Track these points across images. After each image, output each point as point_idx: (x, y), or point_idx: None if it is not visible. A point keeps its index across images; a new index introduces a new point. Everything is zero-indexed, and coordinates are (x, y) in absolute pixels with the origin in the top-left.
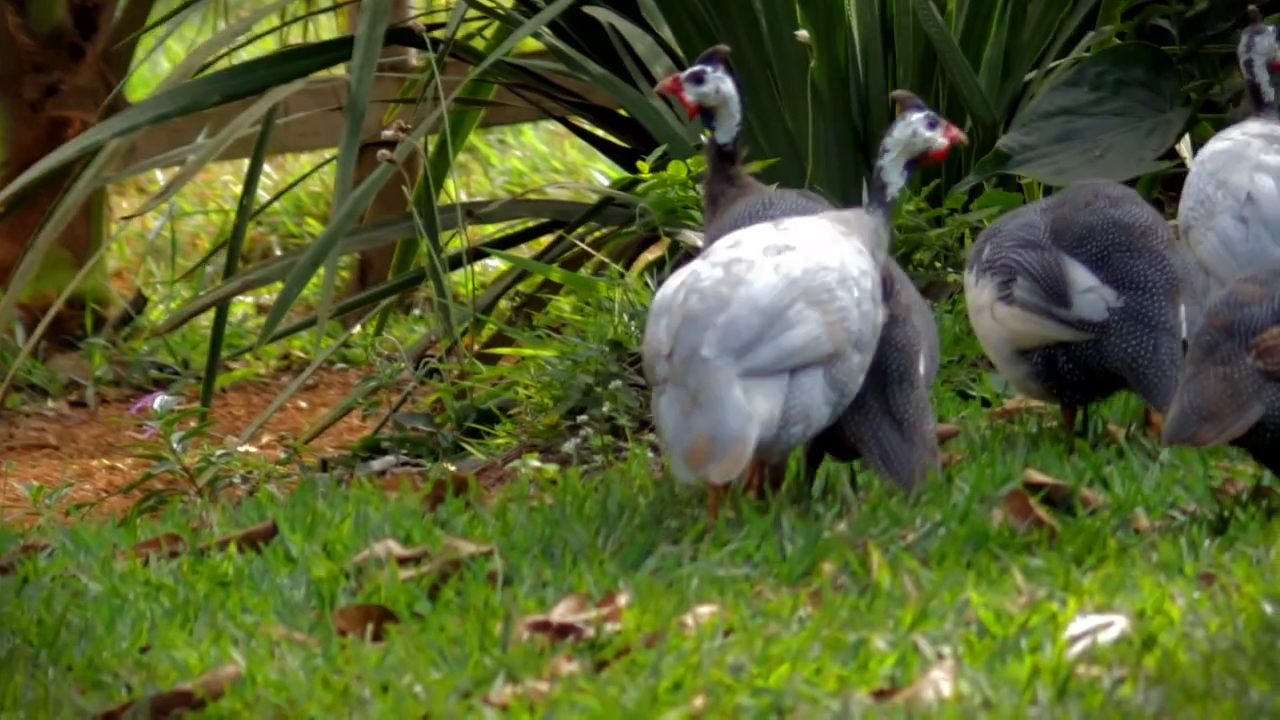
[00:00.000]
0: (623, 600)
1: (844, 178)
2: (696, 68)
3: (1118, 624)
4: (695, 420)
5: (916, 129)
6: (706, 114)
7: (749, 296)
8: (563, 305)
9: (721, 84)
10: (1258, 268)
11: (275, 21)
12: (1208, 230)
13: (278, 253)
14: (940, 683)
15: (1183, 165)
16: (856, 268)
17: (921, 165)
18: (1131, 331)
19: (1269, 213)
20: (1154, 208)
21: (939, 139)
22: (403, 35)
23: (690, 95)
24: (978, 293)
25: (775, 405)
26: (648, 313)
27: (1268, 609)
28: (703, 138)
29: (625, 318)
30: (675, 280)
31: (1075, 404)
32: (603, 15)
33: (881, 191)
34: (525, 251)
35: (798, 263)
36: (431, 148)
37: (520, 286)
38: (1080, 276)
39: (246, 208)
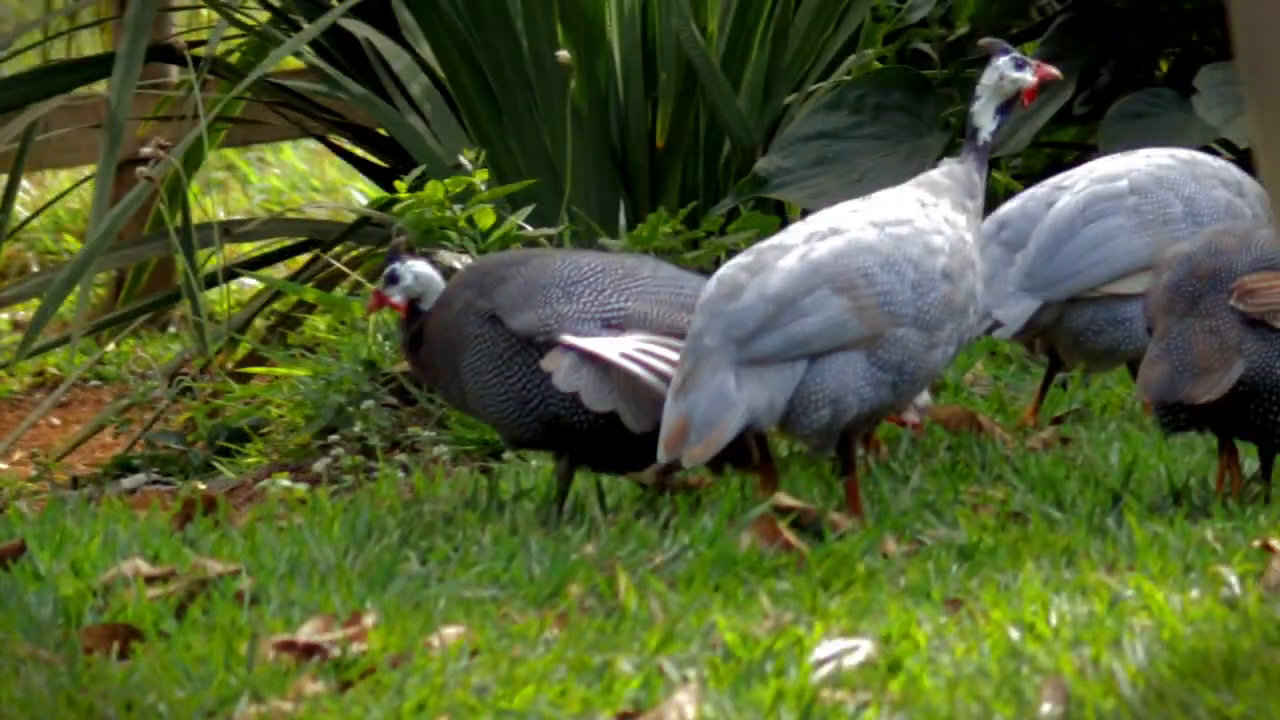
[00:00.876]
0: (369, 620)
1: (602, 199)
2: (386, 271)
3: (863, 648)
4: (679, 404)
5: (1004, 72)
6: (415, 303)
7: (761, 285)
8: (318, 324)
9: (415, 269)
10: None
11: (38, 36)
12: None
13: (35, 269)
14: (684, 706)
15: None
16: (921, 246)
17: (1019, 105)
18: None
19: None
20: None
21: (1028, 78)
22: (164, 52)
23: (396, 297)
24: None
25: (779, 393)
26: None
27: (1013, 634)
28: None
29: (379, 337)
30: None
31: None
32: (360, 31)
33: (974, 137)
34: (282, 270)
35: (830, 249)
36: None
37: (276, 305)
38: None
39: (3, 225)
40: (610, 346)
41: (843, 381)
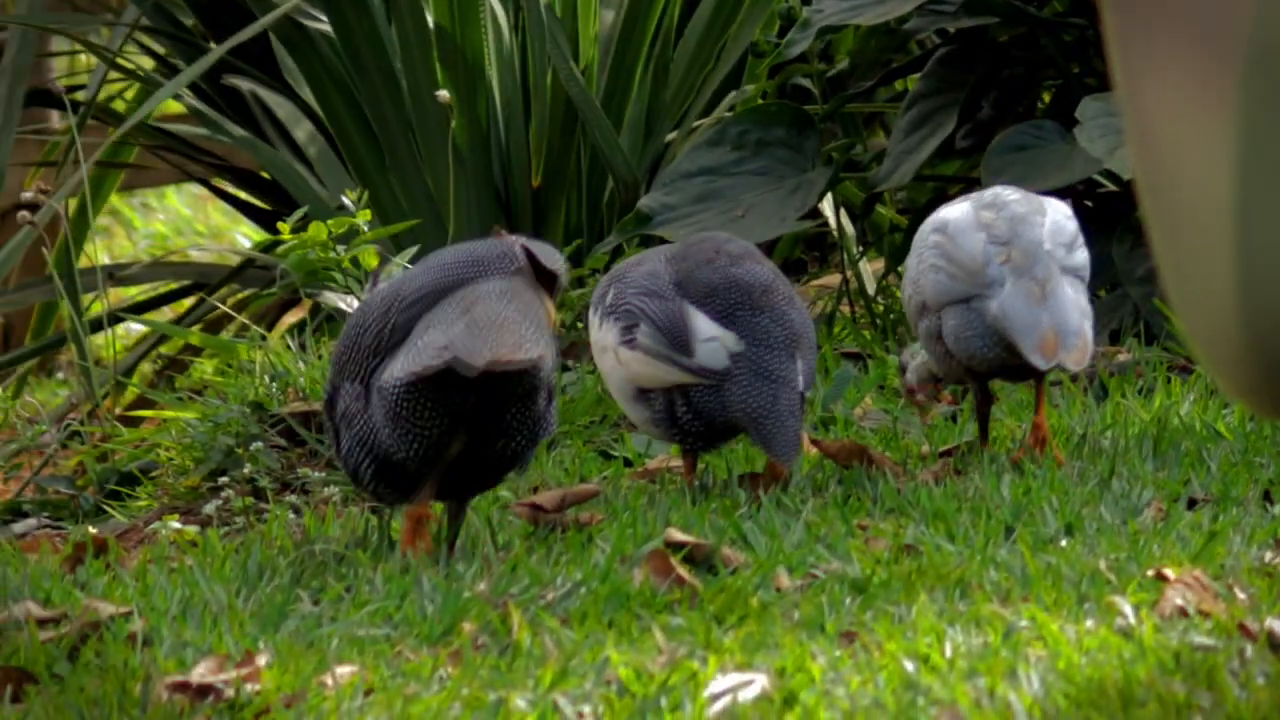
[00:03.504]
0: (262, 660)
1: (484, 238)
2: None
3: (758, 682)
4: (1043, 312)
5: None
6: None
7: (1057, 208)
8: (205, 367)
9: None
10: None
11: None
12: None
13: None
14: None
15: (825, 224)
16: None
17: None
18: (751, 383)
19: None
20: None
21: None
22: (43, 97)
23: None
24: (601, 335)
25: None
26: (936, 240)
27: (908, 666)
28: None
29: (266, 379)
30: (961, 206)
31: (696, 451)
32: (241, 81)
33: None
34: (168, 314)
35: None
36: (73, 210)
37: (162, 349)
38: (703, 326)
39: None
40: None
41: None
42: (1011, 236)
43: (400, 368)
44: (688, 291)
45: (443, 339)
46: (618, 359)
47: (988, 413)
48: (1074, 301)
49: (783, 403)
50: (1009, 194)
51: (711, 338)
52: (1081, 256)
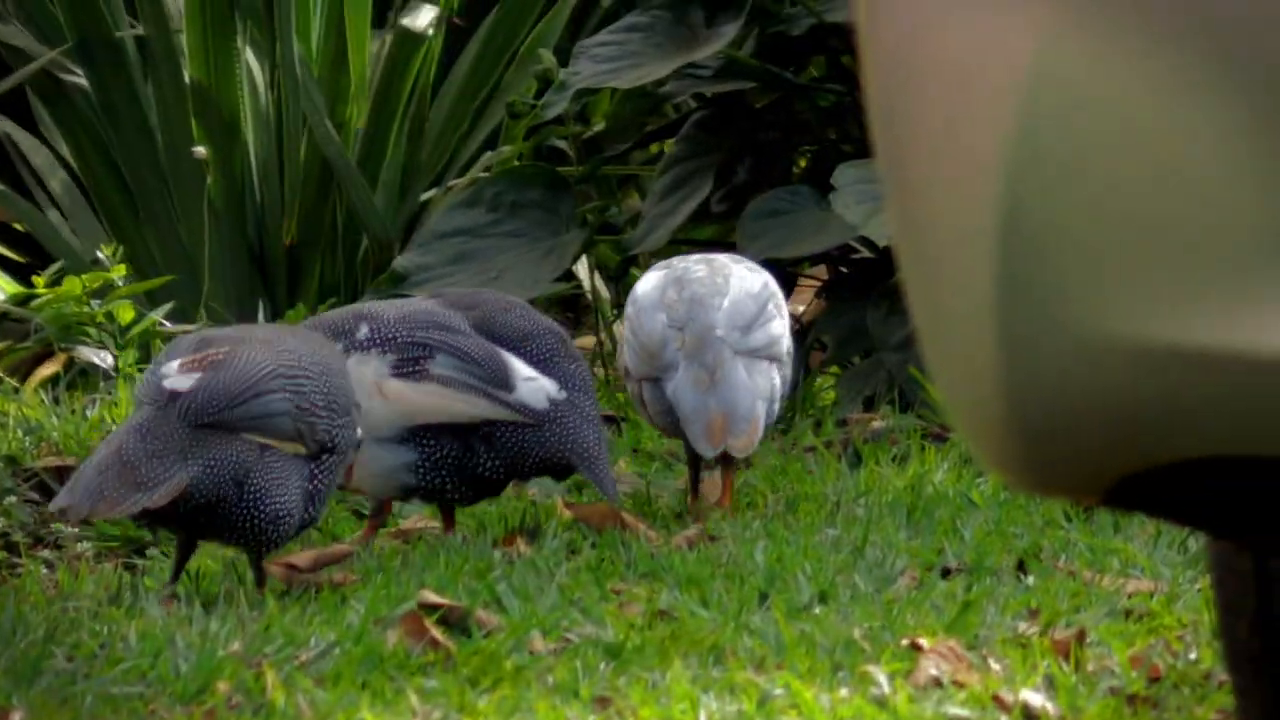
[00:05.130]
0: (16, 717)
1: (239, 294)
2: None
3: None
4: (709, 397)
5: None
6: None
7: (740, 284)
8: None
9: None
10: None
11: None
12: None
13: None
14: None
15: (579, 287)
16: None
17: None
18: (577, 424)
19: None
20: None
21: None
22: None
23: None
24: (356, 368)
25: (767, 383)
26: (630, 312)
27: None
28: None
29: (20, 432)
30: (652, 280)
31: (456, 504)
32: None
33: None
34: None
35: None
36: None
37: None
38: (519, 366)
39: None
40: None
41: (781, 386)
42: (687, 320)
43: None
44: (494, 335)
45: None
46: (381, 392)
47: (696, 474)
48: (746, 386)
49: (603, 445)
50: (695, 270)
51: (531, 378)
52: (765, 335)
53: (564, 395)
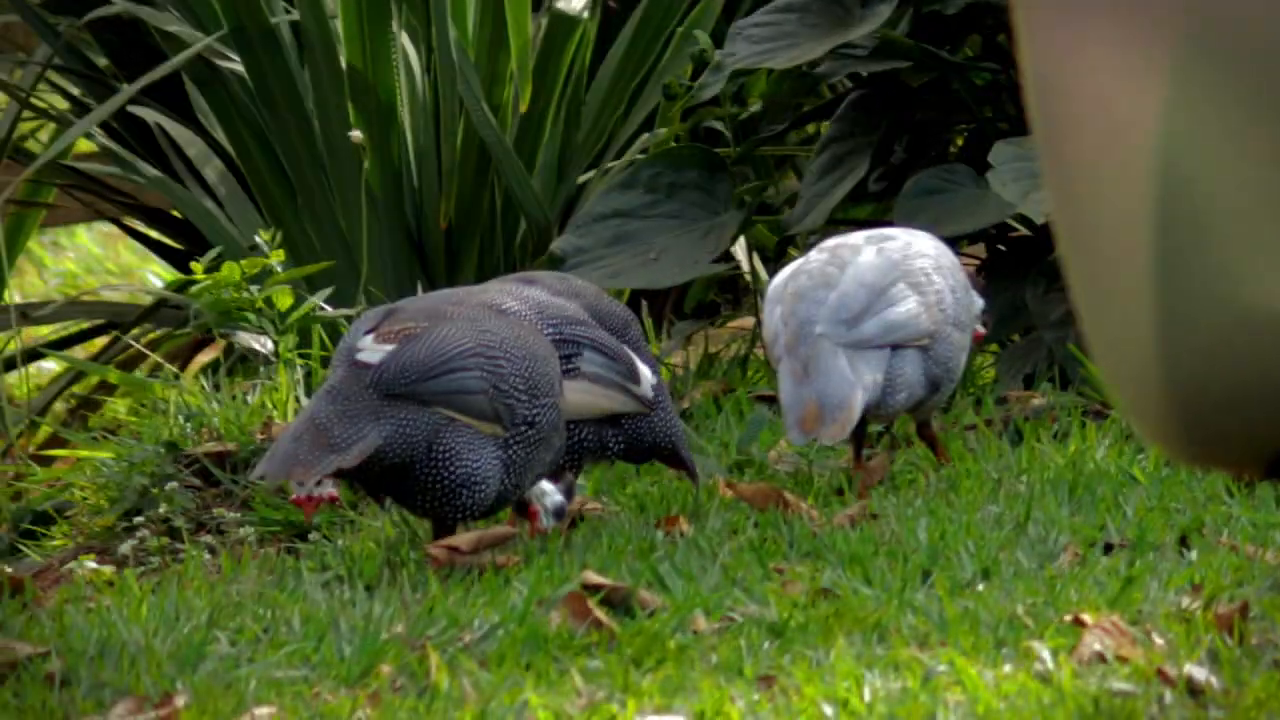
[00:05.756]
0: (180, 701)
1: (399, 279)
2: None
3: None
4: (806, 389)
5: None
6: None
7: (856, 274)
8: (118, 407)
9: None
10: None
11: None
12: None
13: None
14: None
15: (738, 268)
16: (950, 258)
17: None
18: (670, 408)
19: None
20: None
21: None
22: None
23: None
24: None
25: (879, 373)
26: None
27: (827, 711)
28: None
29: (181, 419)
30: (785, 272)
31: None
32: (150, 116)
33: None
34: (80, 353)
35: (897, 248)
36: None
37: (75, 388)
38: (636, 358)
39: None
40: None
41: (913, 370)
42: (789, 315)
43: None
44: (605, 324)
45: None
46: None
47: (860, 445)
48: (843, 377)
49: (682, 428)
50: (813, 261)
51: (642, 367)
52: (880, 323)
53: (656, 380)
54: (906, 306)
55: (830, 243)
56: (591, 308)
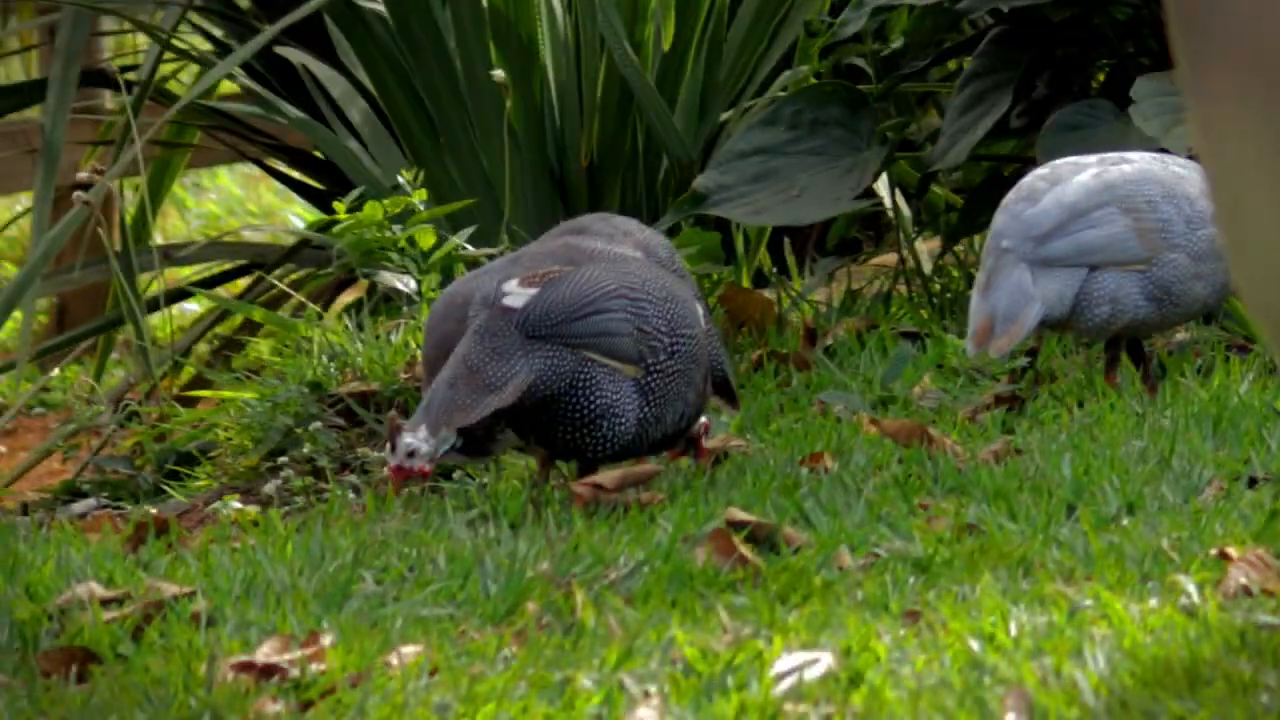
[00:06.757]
0: (327, 640)
1: (540, 219)
2: (400, 446)
3: (824, 661)
4: (984, 301)
5: None
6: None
7: (1059, 193)
8: (261, 347)
9: (420, 435)
10: None
11: None
12: None
13: None
14: None
15: (880, 204)
16: (1198, 188)
17: None
18: (717, 339)
19: None
20: None
21: None
22: (96, 77)
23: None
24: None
25: (1068, 288)
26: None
27: (973, 646)
28: None
29: (324, 359)
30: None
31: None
32: (295, 56)
33: None
34: (222, 295)
35: (1121, 173)
36: (131, 192)
37: (218, 329)
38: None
39: None
40: None
41: (1120, 288)
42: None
43: None
44: (655, 258)
45: None
46: None
47: (1115, 353)
48: (1020, 291)
49: None
50: (1038, 173)
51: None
52: (1072, 244)
53: (705, 310)
54: (1110, 229)
55: (1062, 160)
56: (642, 245)
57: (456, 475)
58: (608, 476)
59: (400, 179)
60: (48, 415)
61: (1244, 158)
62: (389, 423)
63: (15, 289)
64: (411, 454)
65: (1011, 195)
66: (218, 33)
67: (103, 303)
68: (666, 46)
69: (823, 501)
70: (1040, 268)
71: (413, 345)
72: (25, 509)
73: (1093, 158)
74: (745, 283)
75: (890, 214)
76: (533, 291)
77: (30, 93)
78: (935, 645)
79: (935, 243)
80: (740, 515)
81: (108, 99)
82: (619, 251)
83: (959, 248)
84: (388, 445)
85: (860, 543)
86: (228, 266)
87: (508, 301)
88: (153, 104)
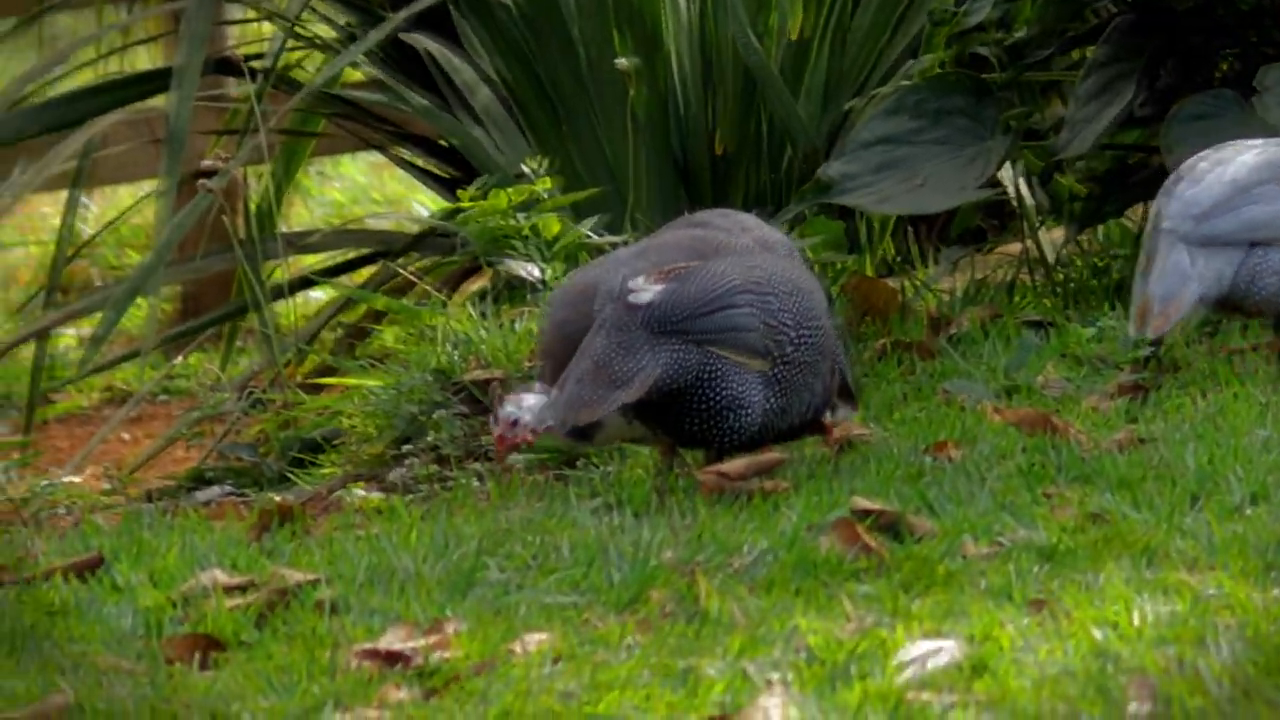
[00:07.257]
0: (451, 628)
1: (664, 207)
2: (503, 415)
3: (948, 650)
4: (1144, 283)
5: None
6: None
7: (1221, 172)
8: (386, 336)
9: (526, 402)
10: None
11: (93, 53)
12: None
13: (99, 285)
14: (771, 709)
15: (1004, 193)
16: None
17: None
18: None
19: None
20: None
21: None
22: (222, 65)
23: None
24: None
25: (1228, 266)
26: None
27: (1098, 634)
28: None
29: (449, 347)
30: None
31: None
32: (421, 44)
33: None
34: (347, 283)
35: None
36: (255, 180)
37: (343, 317)
38: None
39: (65, 239)
40: None
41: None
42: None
43: None
44: (772, 251)
45: None
46: None
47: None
48: (1177, 271)
49: None
50: (1204, 154)
51: None
52: (1233, 220)
53: None
54: (1274, 205)
55: (1236, 141)
56: (762, 241)
57: (580, 464)
58: (733, 465)
59: (525, 167)
60: (173, 403)
61: None
62: (492, 392)
63: (141, 276)
64: (514, 423)
65: (1172, 178)
66: (343, 20)
67: (228, 290)
68: (793, 35)
69: (947, 490)
70: (1199, 247)
71: (537, 333)
72: (150, 496)
73: (1257, 140)
74: (870, 272)
75: (1015, 203)
76: (659, 287)
77: (156, 81)
78: (1060, 634)
79: (1060, 232)
80: (865, 504)
81: (233, 87)
82: (744, 243)
83: (1083, 237)
84: (491, 416)
85: (984, 531)
86: (353, 255)
87: (634, 298)
88: (278, 92)
